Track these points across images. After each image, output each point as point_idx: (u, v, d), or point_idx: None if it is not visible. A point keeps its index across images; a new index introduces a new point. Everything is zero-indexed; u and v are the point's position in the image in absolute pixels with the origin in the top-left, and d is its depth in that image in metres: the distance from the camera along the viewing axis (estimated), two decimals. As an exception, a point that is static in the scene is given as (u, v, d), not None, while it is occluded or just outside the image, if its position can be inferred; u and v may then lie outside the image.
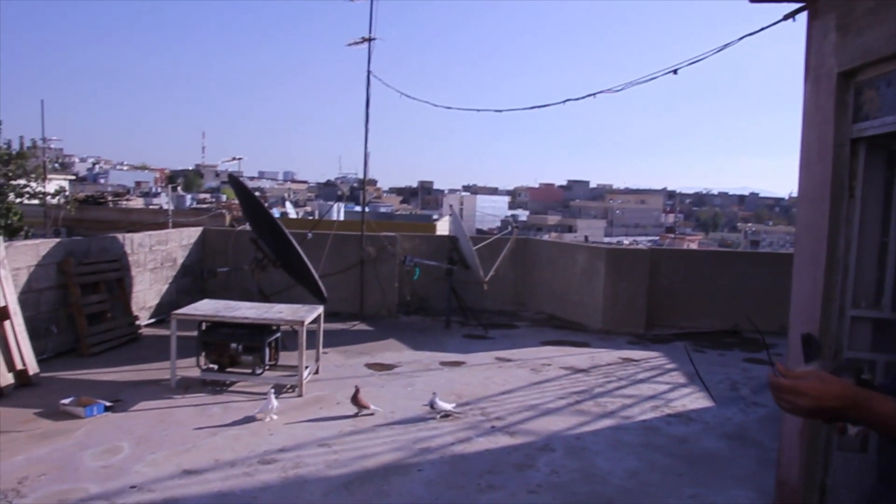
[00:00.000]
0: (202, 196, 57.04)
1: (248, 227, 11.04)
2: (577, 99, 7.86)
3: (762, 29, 5.42)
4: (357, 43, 10.75)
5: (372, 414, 6.34)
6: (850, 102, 4.49)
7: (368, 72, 10.75)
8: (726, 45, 5.76)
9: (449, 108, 11.45)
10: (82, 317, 8.22)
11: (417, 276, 10.95)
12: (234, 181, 9.40)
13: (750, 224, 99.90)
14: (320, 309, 7.76)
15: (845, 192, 4.52)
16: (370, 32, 10.66)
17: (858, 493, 4.15)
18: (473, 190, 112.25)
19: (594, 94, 7.35)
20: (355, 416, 6.30)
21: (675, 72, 6.20)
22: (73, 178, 58.36)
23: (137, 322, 9.37)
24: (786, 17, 5.76)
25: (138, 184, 79.03)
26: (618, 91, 6.94)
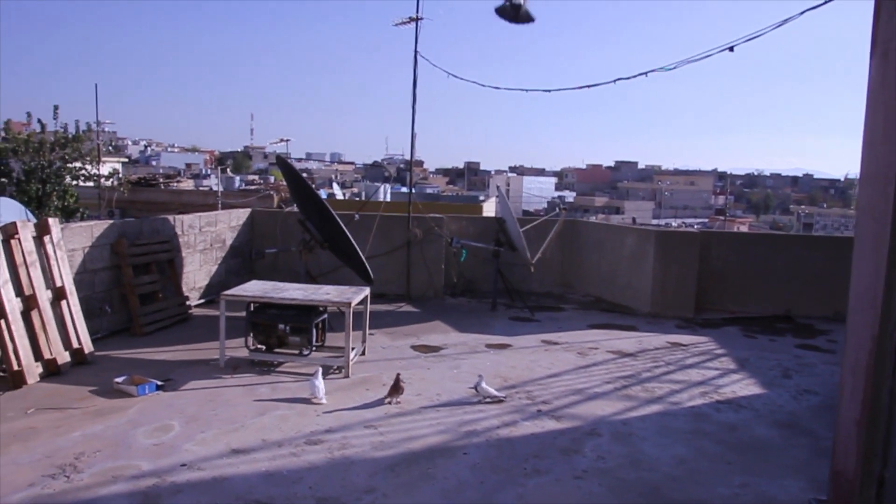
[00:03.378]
0: (251, 177, 57.82)
1: (295, 208, 11.12)
2: (628, 78, 7.67)
3: (826, 1, 5.22)
4: (404, 23, 10.68)
5: (399, 403, 6.25)
6: (917, 80, 4.29)
7: (416, 52, 10.67)
8: (786, 20, 5.56)
9: (497, 87, 11.34)
10: (135, 297, 8.39)
11: (464, 257, 10.92)
12: (282, 163, 9.46)
13: (803, 206, 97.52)
14: (367, 290, 7.78)
15: (910, 174, 4.35)
16: (417, 12, 10.57)
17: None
18: (520, 171, 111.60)
19: (646, 73, 7.18)
20: (389, 402, 6.25)
21: (731, 49, 6.02)
22: (126, 160, 59.61)
23: (188, 302, 9.53)
24: (847, -9, 5.55)
25: (189, 166, 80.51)
26: (671, 69, 6.77)
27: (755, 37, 5.74)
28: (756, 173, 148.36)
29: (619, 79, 7.85)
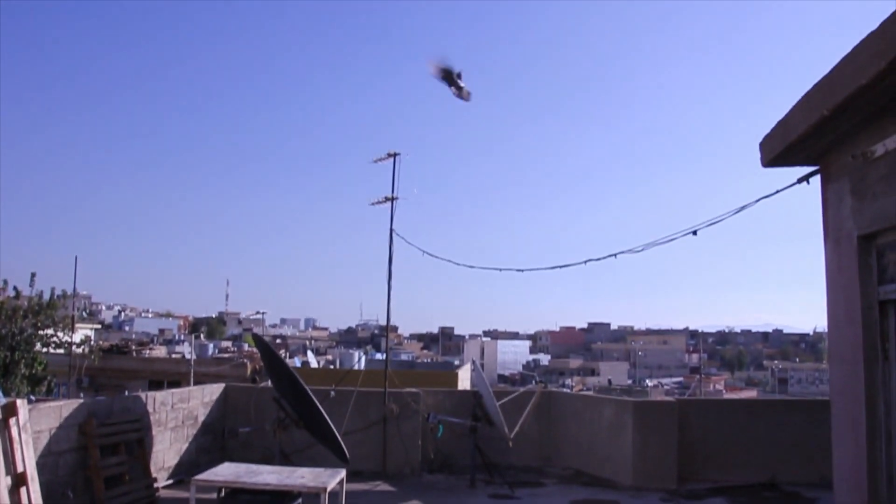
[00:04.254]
0: (224, 344, 57.34)
1: (269, 383, 10.99)
2: (597, 259, 7.99)
3: (777, 192, 5.57)
4: (380, 202, 11.08)
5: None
6: (873, 265, 4.51)
7: (391, 230, 11.01)
8: (743, 208, 5.89)
9: (471, 267, 11.60)
10: (100, 480, 8.06)
11: (441, 432, 10.73)
12: (259, 341, 9.46)
13: (776, 361, 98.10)
14: (342, 472, 7.57)
15: (879, 355, 4.47)
16: (393, 192, 11.00)
17: None
18: (494, 335, 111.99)
19: (615, 255, 7.50)
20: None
21: (694, 233, 6.33)
22: (100, 326, 59.10)
23: (156, 484, 9.16)
24: (800, 181, 5.91)
25: (162, 331, 79.88)
26: (638, 252, 7.08)
27: (715, 222, 6.07)
28: (727, 330, 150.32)
29: (589, 260, 8.19)
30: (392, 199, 10.99)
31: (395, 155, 10.88)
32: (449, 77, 8.93)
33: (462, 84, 8.99)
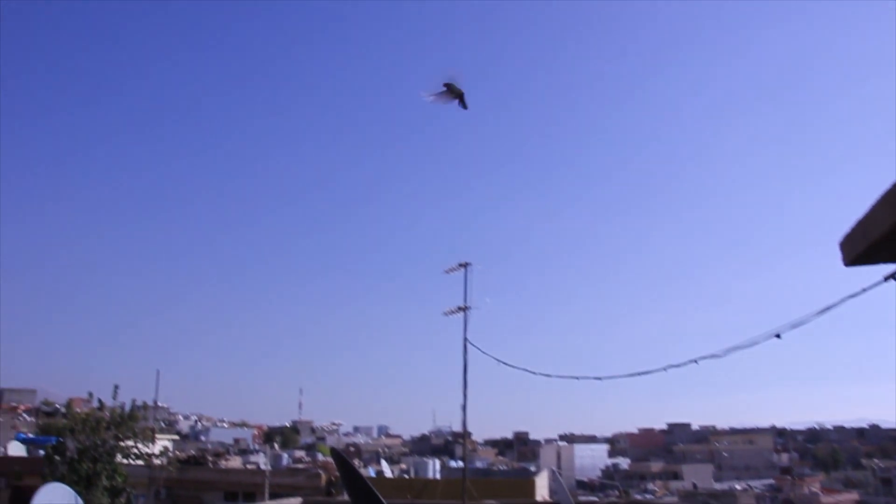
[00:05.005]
0: (298, 454, 57.29)
1: (346, 496, 10.89)
2: (678, 365, 7.79)
3: (864, 291, 5.38)
4: (453, 312, 11.16)
5: None
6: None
7: (465, 340, 11.02)
8: (828, 308, 5.70)
9: (548, 376, 11.37)
10: None
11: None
12: (337, 457, 9.42)
13: (876, 460, 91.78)
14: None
15: None
16: (465, 301, 11.08)
17: None
18: (570, 439, 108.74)
19: (696, 361, 7.29)
20: None
21: (777, 336, 6.14)
22: (177, 436, 59.94)
23: None
24: (887, 279, 5.74)
25: (236, 441, 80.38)
26: (720, 357, 6.89)
27: (800, 324, 5.89)
28: (818, 427, 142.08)
29: (669, 366, 7.97)
30: (464, 309, 11.07)
31: (465, 265, 11.04)
32: (454, 92, 8.61)
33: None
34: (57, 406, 55.10)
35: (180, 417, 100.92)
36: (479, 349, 11.27)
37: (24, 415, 60.88)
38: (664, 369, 8.08)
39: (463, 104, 8.42)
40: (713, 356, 6.84)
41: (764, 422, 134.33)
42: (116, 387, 20.42)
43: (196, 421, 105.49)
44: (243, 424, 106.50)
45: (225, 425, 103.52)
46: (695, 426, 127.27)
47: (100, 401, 20.31)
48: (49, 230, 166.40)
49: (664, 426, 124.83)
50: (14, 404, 68.94)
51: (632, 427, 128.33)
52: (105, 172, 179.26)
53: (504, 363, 11.12)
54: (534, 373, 11.81)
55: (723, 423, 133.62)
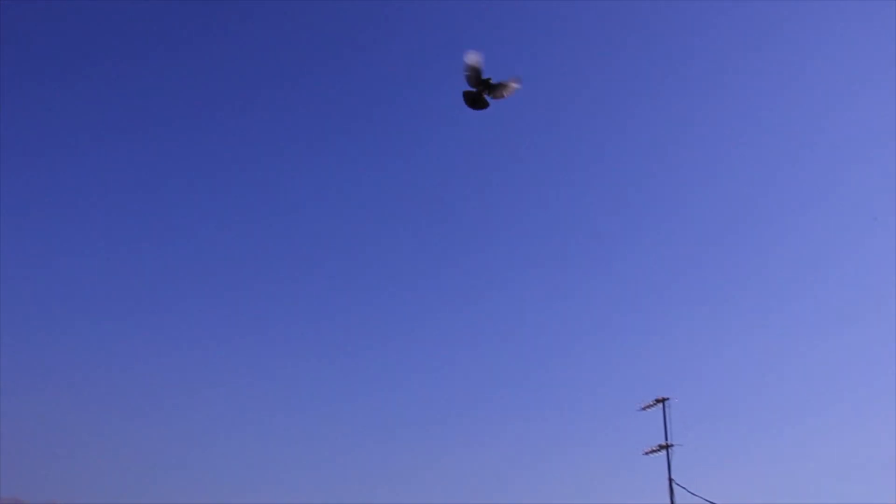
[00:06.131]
0: None
1: None
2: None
3: None
4: (653, 451, 10.60)
5: None
6: None
7: (670, 480, 10.38)
8: None
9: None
10: None
11: None
12: None
13: None
14: None
15: None
16: (667, 439, 10.51)
17: None
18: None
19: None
20: None
21: None
22: None
23: None
24: None
25: None
26: None
27: None
28: None
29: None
30: (667, 448, 10.45)
31: (663, 400, 10.53)
32: (478, 79, 7.98)
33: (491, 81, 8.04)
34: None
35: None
36: (686, 489, 10.58)
37: None
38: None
39: (481, 97, 8.13)
40: None
41: None
42: None
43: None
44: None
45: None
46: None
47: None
48: None
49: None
50: None
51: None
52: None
53: (713, 504, 10.26)
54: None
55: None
